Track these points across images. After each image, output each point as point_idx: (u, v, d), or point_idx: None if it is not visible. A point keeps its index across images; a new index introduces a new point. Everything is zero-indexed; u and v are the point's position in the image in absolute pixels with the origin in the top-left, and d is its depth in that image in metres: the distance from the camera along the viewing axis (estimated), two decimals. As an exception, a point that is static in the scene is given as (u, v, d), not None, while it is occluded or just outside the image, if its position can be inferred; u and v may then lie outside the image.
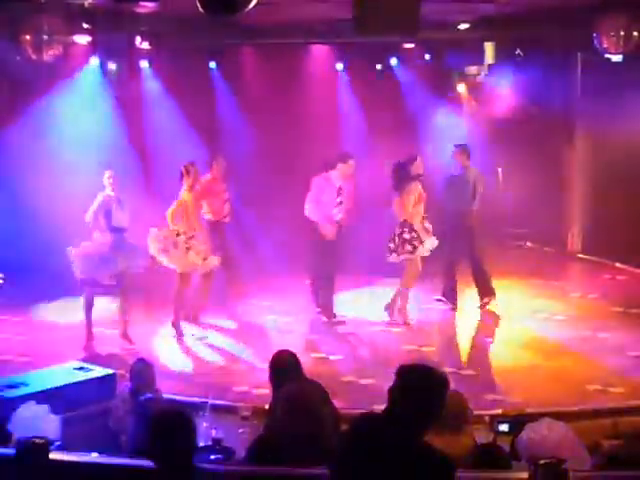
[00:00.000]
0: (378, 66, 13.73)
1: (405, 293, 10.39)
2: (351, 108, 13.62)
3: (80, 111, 11.99)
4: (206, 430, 5.86)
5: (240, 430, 6.17)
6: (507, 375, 8.84)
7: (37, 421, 4.36)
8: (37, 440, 4.26)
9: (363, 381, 8.56)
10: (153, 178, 12.40)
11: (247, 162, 12.69)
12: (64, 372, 7.32)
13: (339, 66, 13.69)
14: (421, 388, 3.68)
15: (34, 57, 9.97)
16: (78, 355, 8.61)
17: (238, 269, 11.23)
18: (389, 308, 10.44)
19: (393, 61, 13.54)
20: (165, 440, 4.01)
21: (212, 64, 13.35)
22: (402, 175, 10.12)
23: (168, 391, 7.00)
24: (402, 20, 8.63)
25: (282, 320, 10.44)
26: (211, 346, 9.72)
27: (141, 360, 6.74)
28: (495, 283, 10.92)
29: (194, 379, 8.67)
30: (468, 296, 10.98)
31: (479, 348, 9.78)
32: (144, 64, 12.75)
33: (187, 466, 4.05)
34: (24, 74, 11.09)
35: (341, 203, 10.20)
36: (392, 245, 10.16)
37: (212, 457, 5.36)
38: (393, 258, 10.20)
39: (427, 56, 13.31)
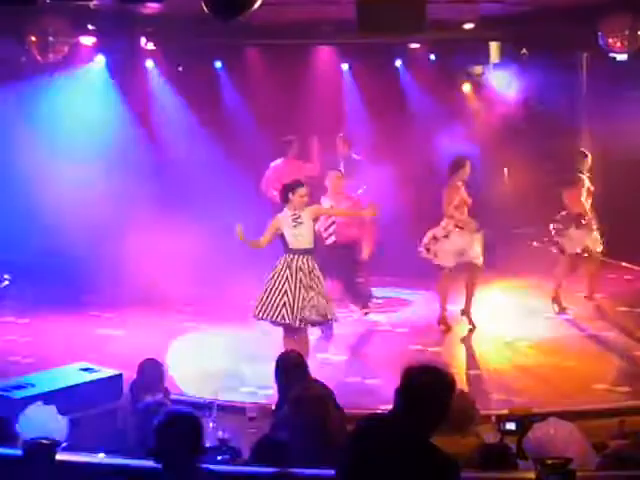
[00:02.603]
0: (383, 67, 13.71)
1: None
2: (356, 109, 13.58)
3: (86, 112, 12.00)
4: (213, 431, 5.86)
5: (247, 431, 6.17)
6: (513, 375, 8.84)
7: (44, 422, 4.36)
8: (44, 441, 4.27)
9: (368, 382, 8.57)
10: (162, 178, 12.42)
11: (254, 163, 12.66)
12: (71, 373, 7.34)
13: (344, 67, 13.65)
14: (427, 389, 3.67)
15: (39, 58, 9.98)
16: (84, 356, 8.59)
17: None
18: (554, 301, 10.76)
19: (398, 62, 13.52)
20: (173, 441, 4.01)
21: (218, 64, 13.31)
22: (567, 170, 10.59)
23: (175, 391, 7.02)
24: (407, 18, 8.62)
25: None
26: (218, 346, 9.73)
27: (150, 359, 6.72)
28: (503, 283, 10.93)
29: (202, 379, 8.67)
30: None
31: (485, 348, 9.77)
32: (149, 65, 12.75)
33: (194, 467, 4.05)
34: (30, 74, 11.13)
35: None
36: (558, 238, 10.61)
37: (218, 458, 5.36)
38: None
39: (432, 56, 13.29)
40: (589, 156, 10.64)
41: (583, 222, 10.54)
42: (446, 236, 9.95)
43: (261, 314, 8.35)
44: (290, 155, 11.54)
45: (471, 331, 10.08)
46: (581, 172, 10.61)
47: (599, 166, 13.19)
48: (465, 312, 10.21)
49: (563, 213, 10.69)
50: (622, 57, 10.50)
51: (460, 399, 4.66)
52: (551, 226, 10.70)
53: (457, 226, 9.95)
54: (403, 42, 12.65)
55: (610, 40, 10.11)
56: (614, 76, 12.03)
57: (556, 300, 10.72)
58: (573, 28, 10.79)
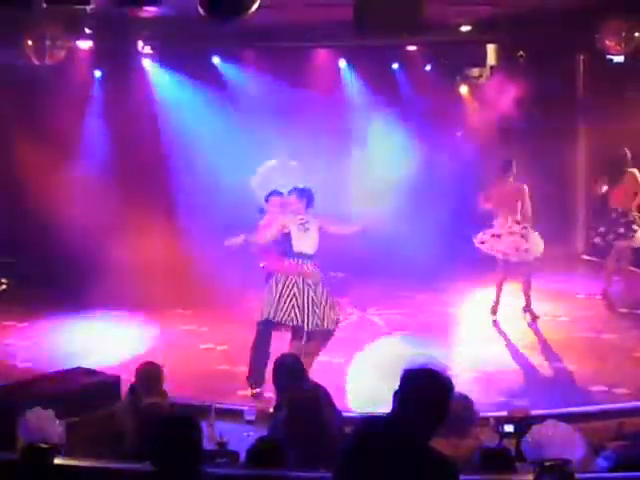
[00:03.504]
0: (381, 68, 13.69)
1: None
2: (354, 109, 13.58)
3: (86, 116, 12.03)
4: (211, 434, 5.86)
5: (245, 434, 6.17)
6: (512, 377, 8.83)
7: (42, 426, 4.35)
8: (42, 445, 4.26)
9: (366, 384, 8.56)
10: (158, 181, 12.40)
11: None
12: (69, 376, 7.33)
13: (342, 67, 13.63)
14: (425, 392, 3.67)
15: (37, 62, 9.98)
16: (83, 359, 8.59)
17: None
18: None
19: (395, 64, 13.51)
20: (171, 445, 4.01)
21: (215, 59, 13.26)
22: (615, 167, 11.01)
23: (174, 394, 7.00)
24: (404, 19, 8.61)
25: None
26: (217, 349, 9.73)
27: (149, 362, 6.71)
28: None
29: (200, 382, 8.67)
30: (472, 298, 11.00)
31: (483, 349, 9.76)
32: (147, 68, 12.74)
33: (192, 470, 4.05)
34: (28, 79, 11.14)
35: None
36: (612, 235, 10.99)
37: (217, 461, 5.36)
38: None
39: (429, 59, 13.28)
40: (629, 154, 10.94)
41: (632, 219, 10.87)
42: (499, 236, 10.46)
43: (271, 316, 8.31)
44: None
45: (534, 320, 10.53)
46: (626, 170, 10.89)
47: (597, 167, 13.23)
48: (526, 307, 10.68)
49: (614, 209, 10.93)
50: (619, 59, 10.53)
51: (458, 401, 4.65)
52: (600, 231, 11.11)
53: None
54: (400, 44, 12.65)
55: (607, 42, 10.12)
56: (611, 78, 12.04)
57: (606, 297, 11.15)
58: (570, 30, 10.81)
